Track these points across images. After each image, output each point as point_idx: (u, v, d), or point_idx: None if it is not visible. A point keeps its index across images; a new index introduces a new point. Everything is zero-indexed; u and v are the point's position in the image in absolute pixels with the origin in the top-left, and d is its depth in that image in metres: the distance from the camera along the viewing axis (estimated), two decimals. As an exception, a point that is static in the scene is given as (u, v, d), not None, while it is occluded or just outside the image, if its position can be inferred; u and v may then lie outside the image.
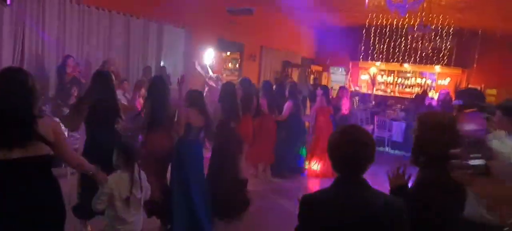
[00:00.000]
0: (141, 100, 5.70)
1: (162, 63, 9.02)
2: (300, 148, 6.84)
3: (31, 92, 2.04)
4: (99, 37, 7.66)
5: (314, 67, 15.77)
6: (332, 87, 12.68)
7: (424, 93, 11.02)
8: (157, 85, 4.06)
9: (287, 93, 6.65)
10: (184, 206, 3.81)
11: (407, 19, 11.79)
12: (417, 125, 2.17)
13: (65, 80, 6.56)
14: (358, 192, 1.71)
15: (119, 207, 2.67)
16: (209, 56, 9.30)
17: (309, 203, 1.78)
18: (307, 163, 6.81)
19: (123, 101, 6.55)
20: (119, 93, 6.94)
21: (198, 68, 8.60)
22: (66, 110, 5.74)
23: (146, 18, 8.58)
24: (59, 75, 6.66)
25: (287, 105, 6.35)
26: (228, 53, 13.04)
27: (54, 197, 2.20)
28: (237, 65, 12.59)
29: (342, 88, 8.06)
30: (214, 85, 8.18)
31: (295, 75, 14.44)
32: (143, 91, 6.97)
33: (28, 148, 1.98)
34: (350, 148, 1.71)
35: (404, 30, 13.13)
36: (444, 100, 7.12)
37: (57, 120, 3.39)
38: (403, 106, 11.29)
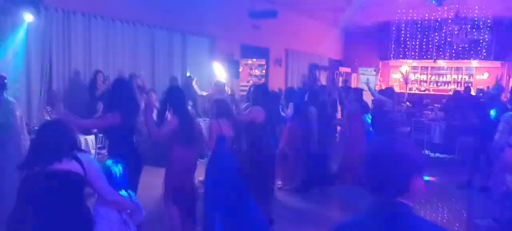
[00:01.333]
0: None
1: (188, 73, 8.92)
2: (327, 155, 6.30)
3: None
4: (125, 50, 7.65)
5: (342, 69, 15.33)
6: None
7: (468, 89, 10.32)
8: (178, 96, 3.78)
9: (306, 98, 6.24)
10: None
11: (440, 13, 11.21)
12: None
13: (96, 95, 6.57)
14: (396, 220, 1.36)
15: None
16: (232, 69, 9.04)
17: None
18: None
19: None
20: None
21: (196, 86, 8.36)
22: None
23: (170, 29, 8.52)
24: (90, 91, 6.67)
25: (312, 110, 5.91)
26: (254, 59, 12.85)
27: None
28: (263, 71, 12.35)
29: (386, 89, 7.74)
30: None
31: (323, 78, 14.06)
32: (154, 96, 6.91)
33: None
34: (383, 165, 1.39)
35: (437, 25, 12.48)
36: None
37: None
38: (441, 106, 10.64)
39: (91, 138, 5.67)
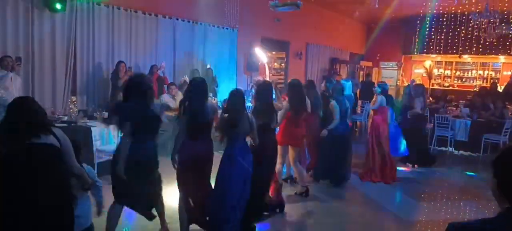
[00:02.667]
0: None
1: (208, 66, 8.94)
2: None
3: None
4: (146, 41, 7.72)
5: (364, 63, 15.06)
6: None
7: (494, 85, 9.96)
8: (197, 89, 3.66)
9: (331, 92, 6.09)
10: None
11: (468, 6, 10.82)
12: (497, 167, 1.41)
13: (118, 84, 6.67)
14: None
15: None
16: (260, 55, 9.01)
17: None
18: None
19: (171, 104, 6.55)
20: (166, 97, 6.94)
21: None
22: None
23: (192, 20, 8.54)
24: (112, 80, 6.78)
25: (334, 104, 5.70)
26: (273, 52, 12.76)
27: None
28: (283, 65, 12.25)
29: (417, 86, 7.56)
30: None
31: (343, 72, 13.86)
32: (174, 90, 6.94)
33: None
34: None
35: (464, 18, 12.07)
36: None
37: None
38: (465, 102, 10.32)
39: (113, 127, 5.74)
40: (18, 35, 5.84)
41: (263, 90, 4.27)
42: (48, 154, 2.24)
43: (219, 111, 4.37)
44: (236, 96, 3.75)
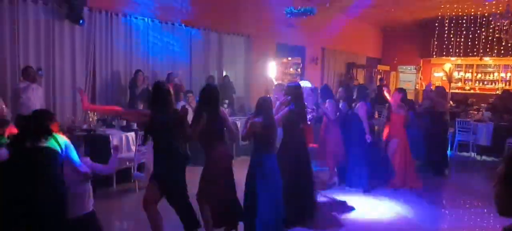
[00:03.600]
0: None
1: (224, 73, 8.99)
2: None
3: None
4: (163, 50, 7.81)
5: (381, 67, 14.87)
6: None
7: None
8: (210, 95, 3.74)
9: (355, 95, 6.06)
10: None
11: (487, 7, 10.58)
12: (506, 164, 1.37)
13: (136, 93, 6.77)
14: None
15: None
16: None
17: None
18: None
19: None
20: (183, 104, 6.99)
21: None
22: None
23: (207, 28, 8.61)
24: (130, 88, 6.88)
25: (361, 106, 5.66)
26: (289, 58, 12.74)
27: None
28: (299, 70, 12.22)
29: (438, 88, 7.42)
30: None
31: (360, 77, 13.72)
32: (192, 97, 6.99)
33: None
34: None
35: (484, 20, 11.78)
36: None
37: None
38: (487, 105, 10.04)
39: (131, 135, 5.82)
40: (40, 47, 5.99)
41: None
42: (46, 154, 2.71)
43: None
44: (267, 102, 3.82)
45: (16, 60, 5.71)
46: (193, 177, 3.74)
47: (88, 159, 3.23)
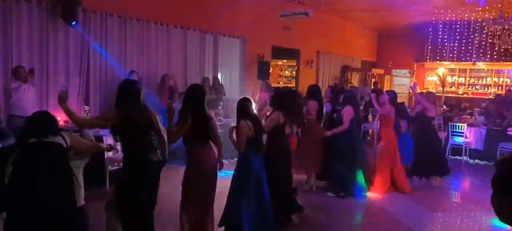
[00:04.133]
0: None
1: (212, 75, 8.92)
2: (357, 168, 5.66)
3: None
4: (158, 51, 7.78)
5: (375, 71, 14.95)
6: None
7: (509, 92, 9.71)
8: (196, 96, 3.55)
9: (341, 99, 5.95)
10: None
11: (481, 13, 10.67)
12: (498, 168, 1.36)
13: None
14: None
15: None
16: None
17: None
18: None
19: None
20: (178, 106, 6.96)
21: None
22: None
23: (202, 30, 8.60)
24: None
25: (348, 111, 5.51)
26: (284, 60, 12.77)
27: None
28: (294, 72, 12.25)
29: (428, 93, 7.46)
30: None
31: (355, 80, 13.78)
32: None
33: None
34: None
35: (477, 25, 11.89)
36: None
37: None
38: (480, 110, 10.12)
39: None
40: (33, 47, 5.94)
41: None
42: (54, 148, 2.78)
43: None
44: (250, 102, 3.85)
45: (9, 60, 5.65)
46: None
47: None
